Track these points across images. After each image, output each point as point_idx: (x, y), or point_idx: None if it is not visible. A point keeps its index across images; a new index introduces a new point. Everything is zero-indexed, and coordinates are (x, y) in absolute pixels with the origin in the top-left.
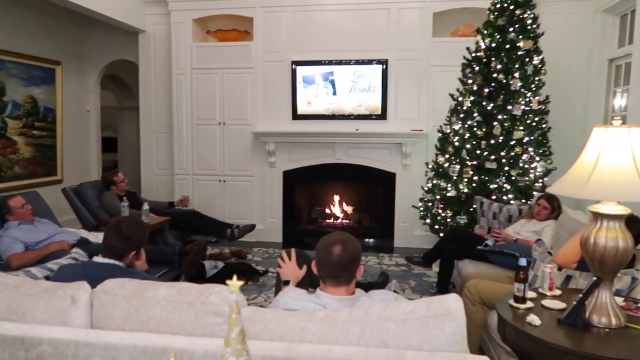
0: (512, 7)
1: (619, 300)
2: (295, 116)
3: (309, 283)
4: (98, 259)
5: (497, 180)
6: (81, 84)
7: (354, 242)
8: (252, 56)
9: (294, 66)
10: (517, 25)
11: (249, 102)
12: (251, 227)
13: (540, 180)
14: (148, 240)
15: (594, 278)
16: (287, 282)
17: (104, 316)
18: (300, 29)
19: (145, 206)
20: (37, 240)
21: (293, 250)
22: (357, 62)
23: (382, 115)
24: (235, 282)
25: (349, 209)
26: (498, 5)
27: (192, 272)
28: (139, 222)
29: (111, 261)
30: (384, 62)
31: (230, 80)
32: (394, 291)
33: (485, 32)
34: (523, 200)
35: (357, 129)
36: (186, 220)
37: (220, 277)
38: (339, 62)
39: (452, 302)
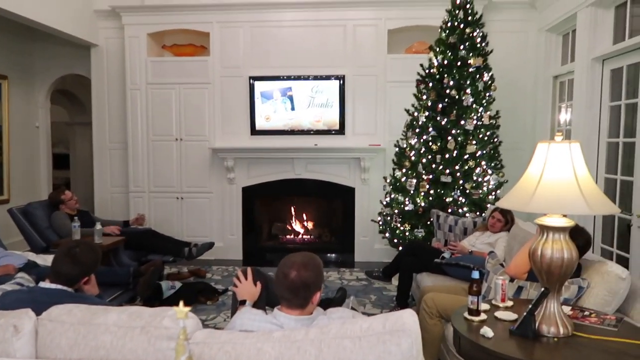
0: (462, 25)
1: (567, 309)
2: (254, 132)
3: (266, 301)
4: (45, 284)
5: (453, 193)
6: (30, 99)
7: (312, 268)
8: (209, 71)
9: (251, 81)
10: (467, 43)
11: (206, 118)
12: (210, 245)
13: (493, 193)
14: (101, 261)
15: (542, 289)
16: (243, 302)
17: (50, 345)
18: (258, 45)
19: (98, 226)
20: None
21: (249, 269)
22: (315, 78)
23: (340, 131)
24: (182, 309)
25: (309, 224)
26: (449, 24)
27: (148, 294)
28: (93, 247)
29: (59, 286)
30: (341, 78)
31: (187, 96)
32: (352, 308)
33: (438, 49)
34: (477, 213)
35: (315, 144)
36: (142, 239)
37: (178, 298)
38: (297, 78)
39: (407, 318)
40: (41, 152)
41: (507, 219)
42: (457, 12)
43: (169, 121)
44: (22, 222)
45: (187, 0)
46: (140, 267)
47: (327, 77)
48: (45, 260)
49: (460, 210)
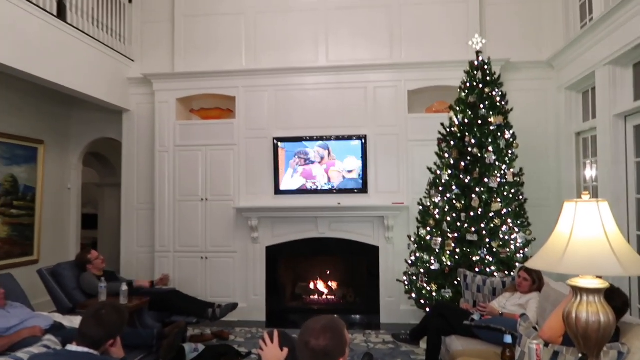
0: (481, 85)
1: None
2: (278, 191)
3: None
4: (72, 347)
5: (479, 252)
6: (63, 162)
7: (333, 335)
8: (234, 133)
9: (275, 142)
10: (487, 102)
11: (231, 178)
12: (233, 306)
13: (521, 252)
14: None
15: (580, 354)
16: None
17: None
18: (282, 107)
19: (124, 287)
20: (9, 326)
21: (275, 332)
22: (337, 138)
23: (363, 189)
24: None
25: (333, 284)
26: (468, 84)
27: (171, 357)
28: (119, 309)
29: (85, 349)
30: (363, 138)
31: (213, 157)
32: None
33: (458, 108)
34: (506, 272)
35: (339, 203)
36: (166, 300)
37: None
38: (320, 138)
39: None
40: (71, 213)
41: (533, 278)
42: (475, 72)
43: (195, 182)
44: (51, 283)
45: (215, 67)
46: (164, 328)
47: (349, 137)
48: (72, 321)
49: (488, 270)
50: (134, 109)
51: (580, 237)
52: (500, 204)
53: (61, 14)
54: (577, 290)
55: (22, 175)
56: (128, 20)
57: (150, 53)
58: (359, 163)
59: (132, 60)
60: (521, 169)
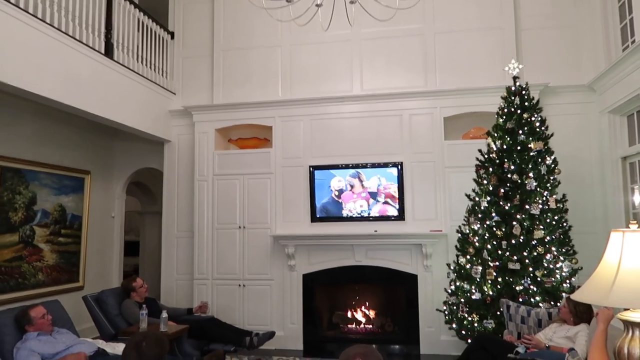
0: (519, 111)
1: None
2: (314, 219)
3: None
4: None
5: (522, 281)
6: (108, 191)
7: None
8: (271, 162)
9: (311, 170)
10: (526, 128)
11: (268, 206)
12: (270, 335)
13: (568, 281)
14: None
15: None
16: None
17: None
18: (317, 136)
19: (164, 314)
20: (55, 352)
21: None
22: (373, 166)
23: (400, 216)
24: None
25: (371, 313)
26: (505, 110)
27: None
28: (160, 341)
29: None
30: (399, 165)
31: (250, 185)
32: None
33: (496, 134)
34: (552, 303)
35: (375, 231)
36: (204, 328)
37: None
38: (355, 166)
39: None
40: (115, 240)
41: (580, 310)
42: (513, 98)
43: (232, 210)
44: (95, 309)
45: (252, 97)
46: (203, 356)
47: (385, 165)
48: (114, 348)
49: (532, 300)
50: (174, 140)
51: (629, 268)
52: (542, 232)
53: (108, 52)
54: (628, 325)
55: (69, 204)
56: (170, 55)
57: (190, 86)
58: (396, 190)
59: (174, 94)
60: (564, 195)
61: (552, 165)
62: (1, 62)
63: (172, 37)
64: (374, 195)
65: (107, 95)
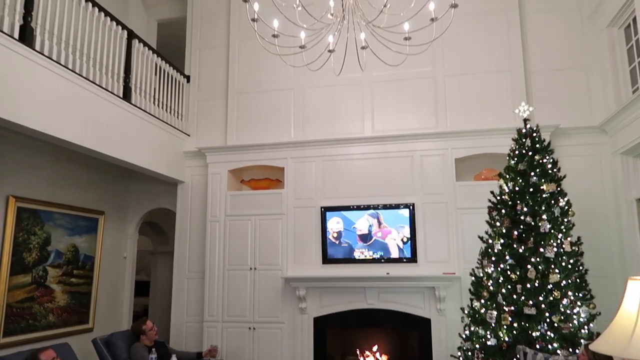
0: (530, 152)
1: None
2: (326, 260)
3: None
4: None
5: (539, 327)
6: (121, 231)
7: None
8: (283, 203)
9: (323, 211)
10: (538, 170)
11: (279, 247)
12: None
13: (586, 327)
14: None
15: None
16: None
17: None
18: (329, 177)
19: (174, 359)
20: None
21: None
22: (385, 207)
23: (413, 259)
24: None
25: (383, 358)
26: (517, 152)
27: None
28: None
29: None
30: (410, 206)
31: (262, 226)
32: None
33: (508, 176)
34: (570, 350)
35: (387, 273)
36: None
37: None
38: (367, 207)
39: None
40: (126, 281)
41: (595, 358)
42: (524, 140)
43: (244, 251)
44: (104, 353)
45: (265, 139)
46: None
47: (397, 206)
48: None
49: (549, 347)
50: (188, 181)
51: None
52: (558, 275)
53: (126, 96)
54: None
55: (82, 245)
56: (185, 98)
57: (204, 128)
58: (408, 232)
59: (188, 135)
60: (579, 238)
61: (566, 207)
62: (22, 105)
63: (188, 81)
64: (385, 236)
65: (124, 138)
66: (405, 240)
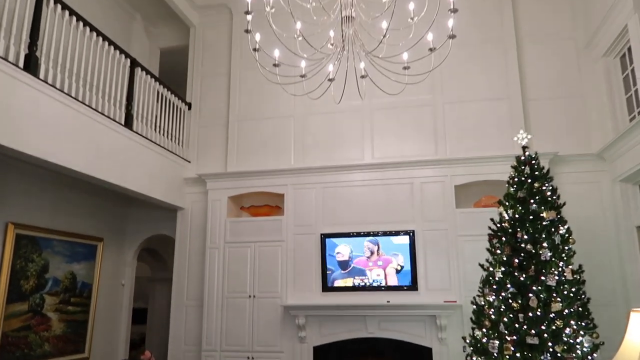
0: (529, 180)
1: None
2: (326, 288)
3: None
4: None
5: (542, 357)
6: (119, 258)
7: None
8: (282, 229)
9: (323, 238)
10: (537, 197)
11: (279, 275)
12: None
13: (590, 357)
14: None
15: None
16: None
17: None
18: (329, 203)
19: None
20: None
21: None
22: (385, 234)
23: (413, 286)
24: None
25: None
26: (516, 179)
27: None
28: None
29: None
30: (410, 233)
31: (261, 253)
32: None
33: (507, 203)
34: None
35: (388, 301)
36: None
37: None
38: (367, 234)
39: None
40: (123, 309)
41: None
42: (523, 167)
43: (243, 278)
44: None
45: (265, 166)
46: None
47: (397, 233)
48: None
49: None
50: (188, 207)
51: None
52: (560, 304)
53: (128, 123)
54: None
55: (80, 272)
56: (186, 125)
57: (205, 154)
58: (408, 259)
59: (189, 162)
60: (580, 266)
61: (566, 235)
62: (25, 133)
63: (190, 108)
64: (386, 264)
65: (125, 165)
66: (405, 267)
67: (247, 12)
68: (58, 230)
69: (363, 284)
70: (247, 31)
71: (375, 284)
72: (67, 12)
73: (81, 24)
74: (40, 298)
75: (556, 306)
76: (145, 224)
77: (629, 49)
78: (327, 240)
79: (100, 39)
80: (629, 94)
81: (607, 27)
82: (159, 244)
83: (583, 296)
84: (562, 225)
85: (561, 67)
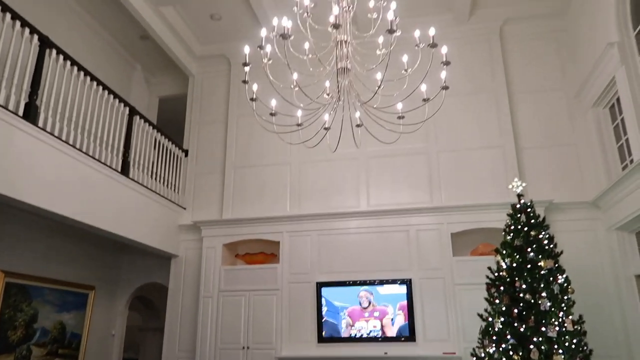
0: (526, 228)
1: None
2: (321, 339)
3: None
4: None
5: None
6: (110, 307)
7: None
8: (278, 278)
9: (318, 287)
10: (534, 245)
11: (274, 325)
12: None
13: None
14: None
15: None
16: None
17: None
18: (325, 251)
19: None
20: None
21: None
22: (381, 282)
23: (411, 337)
24: None
25: None
26: (512, 227)
27: None
28: None
29: None
30: (407, 281)
31: (256, 302)
32: None
33: (504, 252)
34: None
35: (385, 353)
36: None
37: None
38: (363, 283)
39: None
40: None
41: None
42: (518, 215)
43: (237, 329)
44: None
45: (260, 213)
46: None
47: (394, 282)
48: None
49: None
50: (182, 255)
51: None
52: (562, 356)
53: (124, 170)
54: None
55: (70, 322)
56: (183, 172)
57: (201, 201)
58: (405, 308)
59: (184, 209)
60: (581, 317)
61: (565, 284)
62: (22, 181)
63: (186, 155)
64: (383, 313)
65: (120, 212)
66: (403, 317)
67: (245, 64)
68: (49, 279)
69: (360, 335)
70: (244, 82)
71: (372, 334)
72: (68, 62)
73: (82, 73)
74: (27, 349)
75: (558, 358)
76: (138, 272)
77: (618, 100)
78: (322, 289)
79: (101, 87)
80: (620, 143)
81: (595, 79)
82: (151, 291)
83: (585, 348)
84: (561, 274)
85: (552, 116)
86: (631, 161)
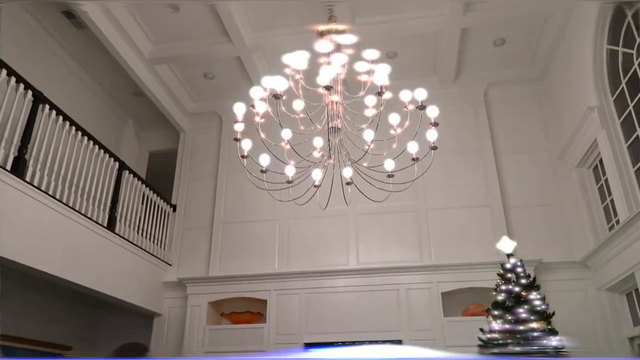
0: (517, 288)
1: None
2: None
3: None
4: None
5: None
6: None
7: None
8: (264, 338)
9: (306, 348)
10: (526, 306)
11: None
12: None
13: None
14: None
15: None
16: None
17: None
18: (313, 310)
19: None
20: None
21: None
22: (371, 343)
23: None
24: None
25: None
26: (503, 287)
27: None
28: None
29: None
30: (397, 343)
31: None
32: None
33: (496, 312)
34: None
35: None
36: None
37: None
38: (352, 343)
39: None
40: None
41: None
42: (509, 275)
43: None
44: None
45: (248, 270)
46: None
47: (383, 343)
48: None
49: None
50: (165, 313)
51: None
52: None
53: (111, 225)
54: None
55: None
56: (170, 227)
57: (187, 257)
58: None
59: (170, 265)
60: None
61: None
62: (4, 236)
63: (174, 210)
64: None
65: (103, 268)
66: None
67: (237, 121)
68: (24, 338)
69: None
70: (236, 139)
71: None
72: (60, 117)
73: (73, 127)
74: None
75: None
76: (119, 330)
77: (601, 161)
78: (310, 350)
79: (91, 142)
80: (605, 203)
81: (578, 141)
82: (130, 350)
83: None
84: (555, 336)
85: (539, 176)
86: (617, 221)
